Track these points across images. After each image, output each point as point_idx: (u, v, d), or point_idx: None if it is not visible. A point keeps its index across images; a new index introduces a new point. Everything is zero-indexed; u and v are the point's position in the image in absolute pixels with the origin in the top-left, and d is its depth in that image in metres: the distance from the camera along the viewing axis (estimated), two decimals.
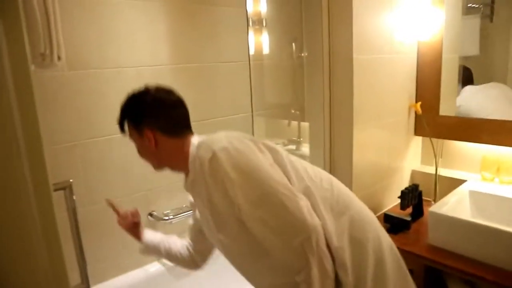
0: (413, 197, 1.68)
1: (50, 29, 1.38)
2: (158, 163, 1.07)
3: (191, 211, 1.23)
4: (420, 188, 1.72)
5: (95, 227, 1.74)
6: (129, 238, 1.84)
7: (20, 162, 0.45)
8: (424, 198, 1.75)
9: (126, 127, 1.05)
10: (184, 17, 1.97)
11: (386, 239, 1.06)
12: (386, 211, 1.74)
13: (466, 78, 1.84)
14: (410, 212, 1.70)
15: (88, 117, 1.72)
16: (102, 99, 1.75)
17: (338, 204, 1.00)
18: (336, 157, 1.66)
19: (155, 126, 1.01)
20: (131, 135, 1.05)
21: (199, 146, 0.98)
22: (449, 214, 1.42)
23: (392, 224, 1.63)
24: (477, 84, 1.81)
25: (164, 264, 1.91)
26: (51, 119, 1.59)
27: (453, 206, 1.51)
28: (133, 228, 1.31)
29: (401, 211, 1.67)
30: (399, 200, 1.65)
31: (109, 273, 1.84)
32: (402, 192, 1.63)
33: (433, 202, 1.81)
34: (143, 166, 1.23)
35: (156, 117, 1.01)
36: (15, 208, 0.46)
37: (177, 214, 1.90)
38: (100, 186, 1.77)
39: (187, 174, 1.04)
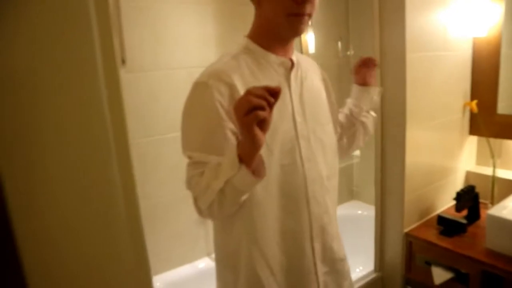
0: (469, 199, 1.62)
1: (114, 34, 1.45)
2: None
3: None
4: (476, 190, 1.65)
5: (147, 222, 1.82)
6: (181, 231, 1.90)
7: (111, 162, 0.49)
8: (480, 200, 1.68)
9: None
10: (233, 18, 2.00)
11: None
12: (440, 212, 1.68)
13: None
14: (465, 214, 1.64)
15: (142, 117, 1.79)
16: (155, 100, 1.82)
17: None
18: (387, 157, 1.63)
19: None
20: None
21: None
22: (510, 218, 1.36)
23: (447, 226, 1.59)
24: None
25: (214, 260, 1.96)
26: None
27: None
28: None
29: (456, 213, 1.62)
30: (453, 202, 1.60)
31: (161, 267, 1.91)
32: (458, 193, 1.58)
33: (490, 205, 1.73)
34: None
35: None
36: (105, 207, 0.50)
37: None
38: (152, 182, 1.85)
39: (279, 51, 0.98)
